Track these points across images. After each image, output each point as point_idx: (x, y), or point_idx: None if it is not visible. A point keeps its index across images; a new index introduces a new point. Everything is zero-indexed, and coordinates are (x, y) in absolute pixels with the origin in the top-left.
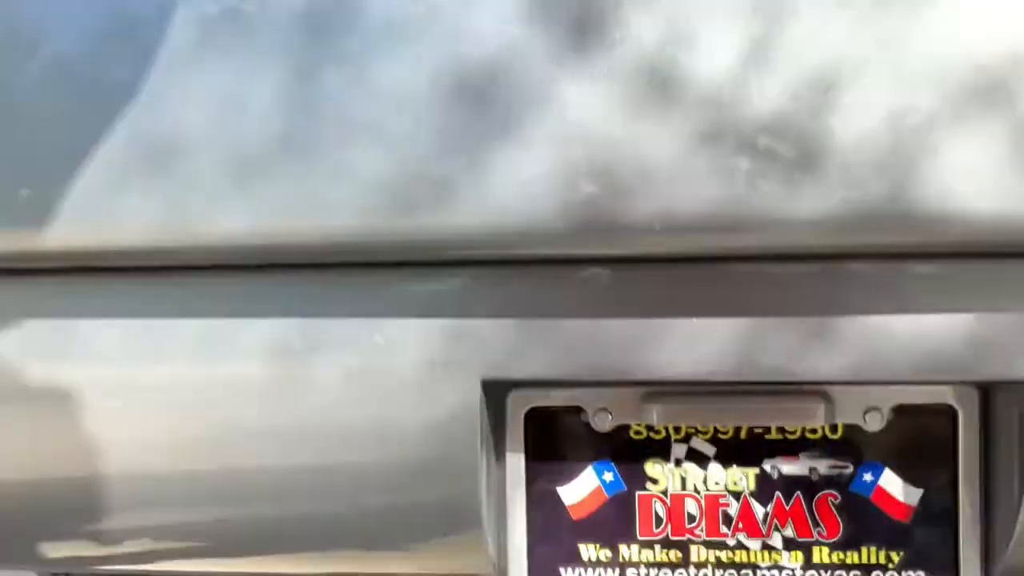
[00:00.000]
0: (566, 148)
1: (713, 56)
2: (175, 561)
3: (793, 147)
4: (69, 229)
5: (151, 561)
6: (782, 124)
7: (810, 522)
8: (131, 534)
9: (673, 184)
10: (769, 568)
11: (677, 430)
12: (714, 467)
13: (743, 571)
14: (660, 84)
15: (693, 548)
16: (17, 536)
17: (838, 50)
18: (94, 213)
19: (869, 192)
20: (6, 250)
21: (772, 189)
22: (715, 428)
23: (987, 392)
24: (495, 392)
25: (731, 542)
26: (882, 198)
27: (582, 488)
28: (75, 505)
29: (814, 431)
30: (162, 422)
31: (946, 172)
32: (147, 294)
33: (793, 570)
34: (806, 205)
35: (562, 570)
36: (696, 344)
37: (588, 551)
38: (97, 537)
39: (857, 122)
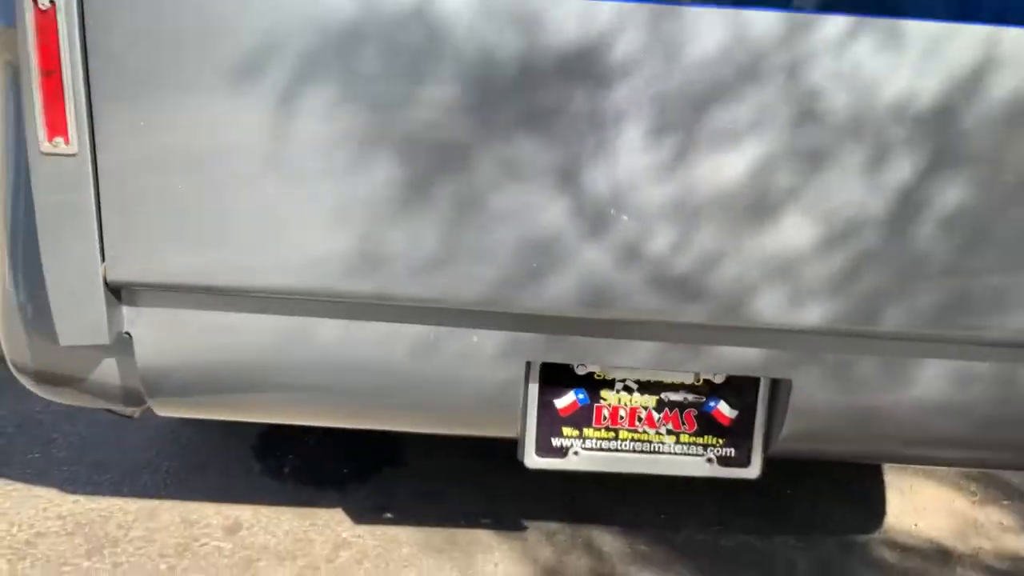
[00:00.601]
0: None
1: None
2: None
3: None
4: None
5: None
6: None
7: (681, 423)
8: None
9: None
10: (659, 444)
11: (620, 379)
12: (636, 395)
13: (645, 445)
14: None
15: (621, 432)
16: None
17: None
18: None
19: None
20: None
21: None
22: (639, 378)
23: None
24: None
25: (640, 430)
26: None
27: (567, 400)
28: None
29: (688, 382)
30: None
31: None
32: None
33: (670, 445)
34: None
35: (552, 440)
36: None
37: (567, 431)
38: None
39: None
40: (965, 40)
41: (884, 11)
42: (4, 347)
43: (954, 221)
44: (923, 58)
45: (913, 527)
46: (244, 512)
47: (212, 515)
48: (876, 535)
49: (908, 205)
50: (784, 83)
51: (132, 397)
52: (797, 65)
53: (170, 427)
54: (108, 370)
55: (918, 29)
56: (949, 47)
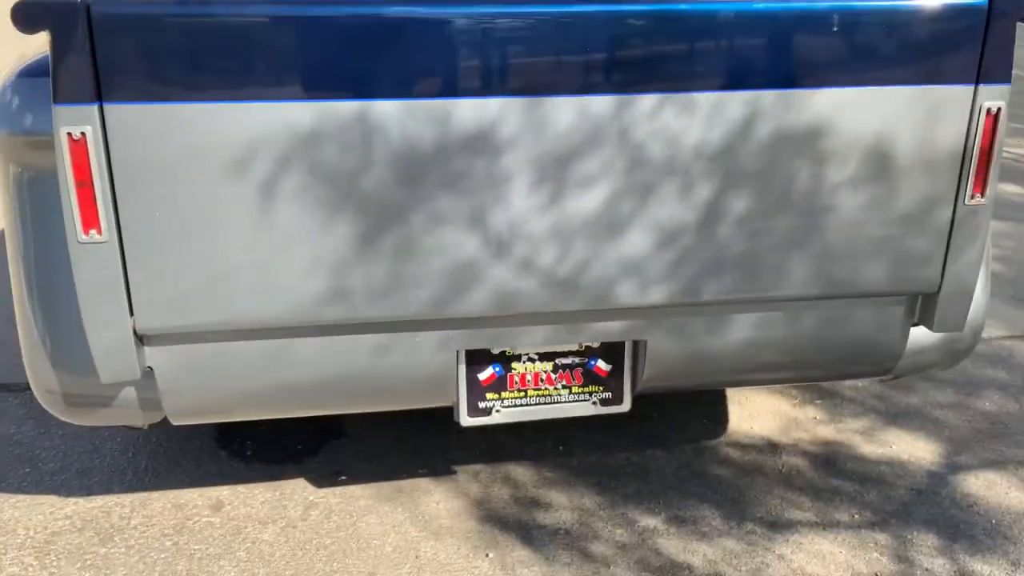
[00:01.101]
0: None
1: None
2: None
3: None
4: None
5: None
6: None
7: (571, 379)
8: None
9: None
10: (557, 396)
11: (525, 353)
12: (537, 363)
13: (547, 398)
14: None
15: (529, 392)
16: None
17: None
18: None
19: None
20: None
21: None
22: (538, 351)
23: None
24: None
25: (542, 388)
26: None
27: (487, 373)
28: None
29: (574, 349)
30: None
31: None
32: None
33: (565, 395)
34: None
35: (479, 404)
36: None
37: (489, 396)
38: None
39: None
40: (736, 102)
41: (679, 89)
42: (34, 385)
43: (741, 225)
44: (707, 114)
45: (749, 429)
46: (223, 491)
47: (196, 497)
48: (721, 439)
49: (707, 217)
50: (617, 141)
51: (150, 415)
52: (626, 127)
53: (138, 432)
54: (132, 396)
55: (701, 98)
56: (723, 106)
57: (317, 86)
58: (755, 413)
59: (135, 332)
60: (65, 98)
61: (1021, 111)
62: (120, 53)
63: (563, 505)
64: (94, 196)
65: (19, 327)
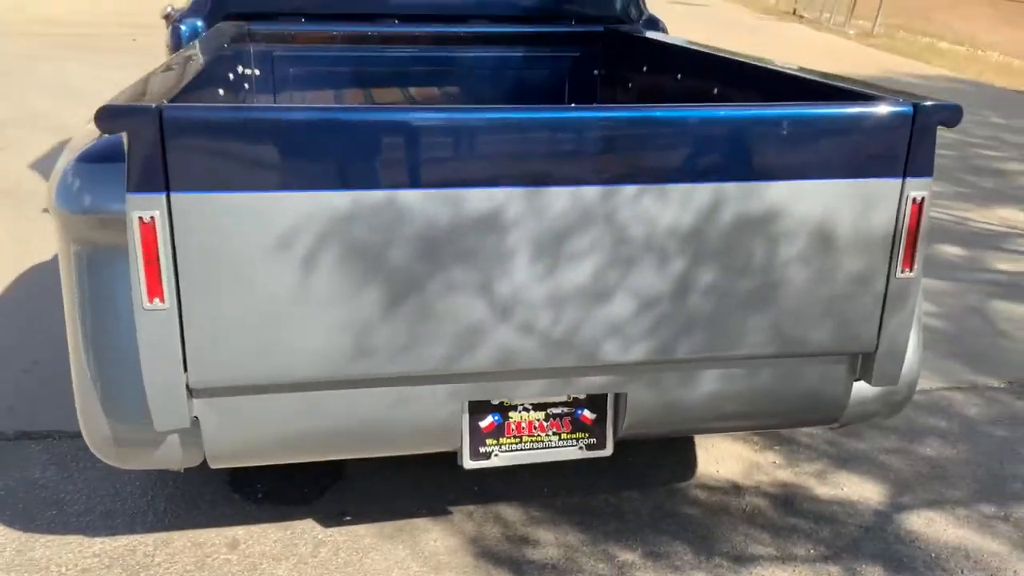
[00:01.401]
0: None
1: None
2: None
3: None
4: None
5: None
6: None
7: (561, 426)
8: None
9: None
10: (548, 442)
11: (521, 404)
12: (532, 412)
13: (539, 444)
14: None
15: (524, 438)
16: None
17: None
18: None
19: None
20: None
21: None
22: (532, 402)
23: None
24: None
25: (535, 435)
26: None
27: (487, 422)
28: None
29: (564, 400)
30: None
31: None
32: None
33: (555, 441)
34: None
35: (480, 448)
36: (535, 379)
37: (489, 441)
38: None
39: None
40: (703, 192)
41: (654, 181)
42: (87, 433)
43: (708, 293)
44: (678, 202)
45: (715, 472)
46: (238, 531)
47: (214, 537)
48: (691, 481)
49: (678, 287)
50: (603, 224)
51: (190, 459)
52: (610, 212)
53: (157, 477)
54: (177, 442)
55: (672, 188)
56: (692, 195)
57: (349, 178)
58: (720, 457)
59: (187, 386)
60: (138, 188)
61: (964, 175)
62: (185, 150)
63: (550, 542)
64: (159, 270)
65: (76, 381)
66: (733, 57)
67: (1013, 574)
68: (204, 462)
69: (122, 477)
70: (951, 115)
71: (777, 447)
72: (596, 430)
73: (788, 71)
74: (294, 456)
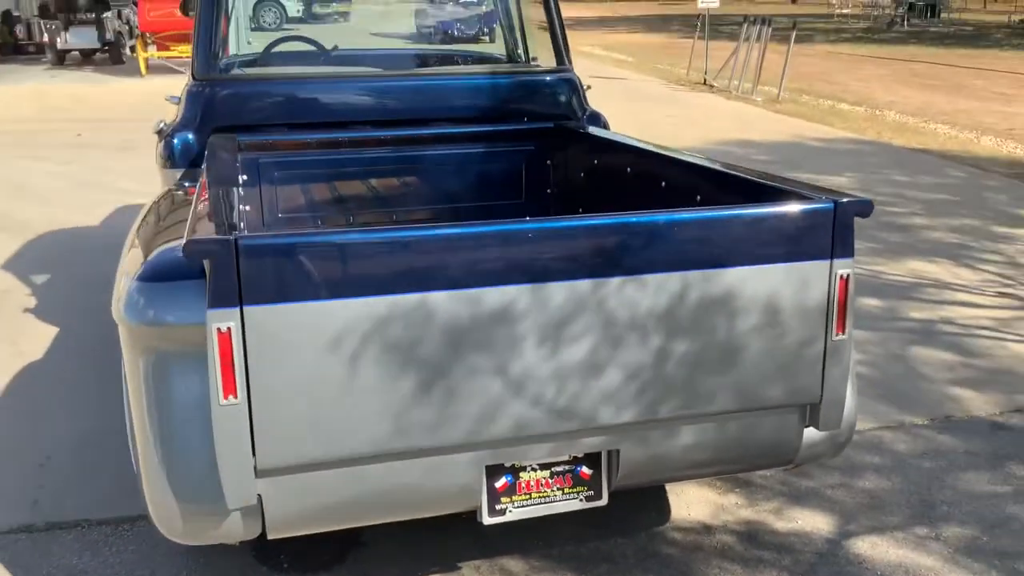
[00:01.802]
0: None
1: None
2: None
3: None
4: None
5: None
6: None
7: (563, 482)
8: None
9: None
10: (553, 496)
11: (529, 465)
12: (538, 472)
13: (546, 498)
14: None
15: (532, 494)
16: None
17: None
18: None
19: None
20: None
21: None
22: (539, 463)
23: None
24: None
25: (542, 491)
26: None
27: (501, 482)
28: None
29: (566, 459)
30: None
31: None
32: None
33: (559, 495)
34: None
35: (496, 506)
36: (541, 443)
37: (503, 499)
38: None
39: None
40: (674, 279)
41: (632, 273)
42: (156, 514)
43: (681, 362)
44: (653, 289)
45: (687, 515)
46: None
47: None
48: (667, 525)
49: (657, 359)
50: (594, 310)
51: (251, 532)
52: (599, 300)
53: (188, 555)
54: (239, 518)
55: (649, 278)
56: (665, 283)
57: (385, 285)
58: (690, 502)
59: (255, 468)
60: (216, 304)
61: (875, 231)
62: (256, 271)
63: None
64: (233, 371)
65: (144, 469)
66: (661, 151)
67: None
68: (256, 536)
69: (156, 558)
70: (864, 207)
71: (738, 490)
72: (593, 483)
73: (710, 165)
74: (342, 522)
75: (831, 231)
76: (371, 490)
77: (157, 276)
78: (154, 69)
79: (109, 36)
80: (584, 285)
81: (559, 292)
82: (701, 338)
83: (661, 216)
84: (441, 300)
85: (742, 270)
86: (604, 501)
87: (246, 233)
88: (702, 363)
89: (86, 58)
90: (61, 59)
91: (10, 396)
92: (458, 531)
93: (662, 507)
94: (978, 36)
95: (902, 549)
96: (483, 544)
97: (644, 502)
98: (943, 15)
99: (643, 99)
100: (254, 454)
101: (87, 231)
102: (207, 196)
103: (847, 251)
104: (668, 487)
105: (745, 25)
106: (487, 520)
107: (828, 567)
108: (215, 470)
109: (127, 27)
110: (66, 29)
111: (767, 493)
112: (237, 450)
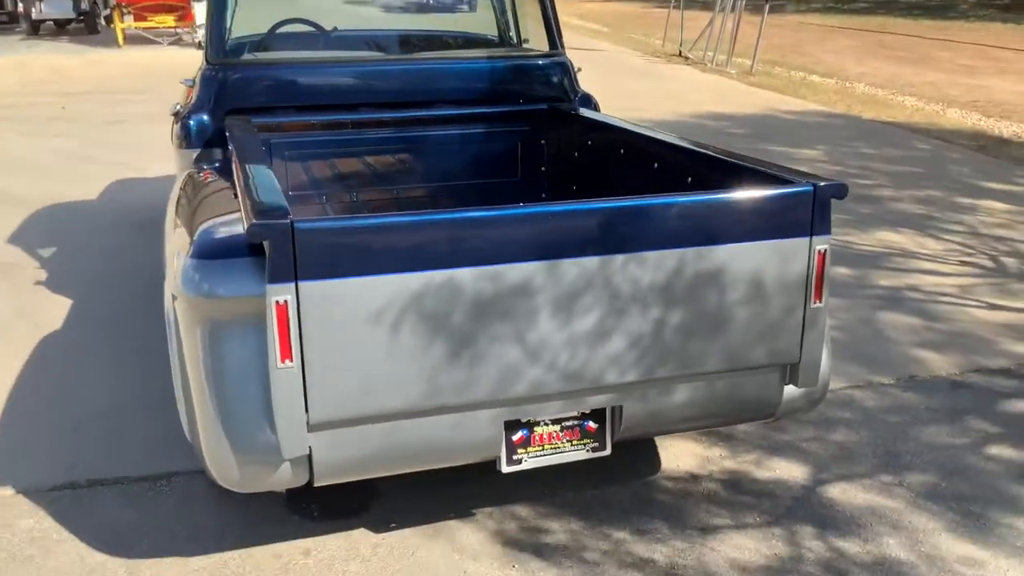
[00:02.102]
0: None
1: None
2: None
3: None
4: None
5: None
6: None
7: (572, 434)
8: None
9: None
10: (563, 447)
11: (543, 420)
12: (550, 426)
13: (557, 449)
14: None
15: (545, 446)
16: None
17: None
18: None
19: None
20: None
21: None
22: (551, 418)
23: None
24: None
25: (553, 443)
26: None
27: (518, 435)
28: None
29: (574, 415)
30: None
31: None
32: None
33: (568, 446)
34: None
35: (513, 456)
36: (553, 401)
37: (520, 450)
38: None
39: None
40: (670, 256)
41: (636, 250)
42: (215, 467)
43: (677, 328)
44: (653, 264)
45: (677, 467)
46: (306, 542)
47: (287, 548)
48: (659, 475)
49: (656, 326)
50: (601, 283)
51: (299, 480)
52: (606, 275)
53: (226, 505)
54: (290, 468)
55: (649, 255)
56: (663, 259)
57: (419, 263)
58: (679, 455)
59: (307, 423)
60: (276, 279)
61: (844, 203)
62: (309, 250)
63: (557, 529)
64: (289, 339)
65: (202, 426)
66: (649, 133)
67: (908, 523)
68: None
69: (195, 509)
70: (839, 190)
71: (721, 443)
72: (599, 436)
73: (694, 147)
74: (379, 471)
75: (811, 211)
76: (406, 443)
77: (209, 254)
78: (130, 40)
79: (84, 6)
80: (592, 261)
81: (570, 268)
82: (694, 307)
83: (661, 199)
84: (467, 275)
85: (732, 247)
86: (608, 451)
87: (300, 217)
88: (695, 329)
89: (60, 28)
90: (36, 29)
91: (34, 367)
92: (471, 483)
93: (653, 460)
94: (945, 7)
95: (869, 494)
96: (494, 494)
97: (637, 456)
98: None
99: (620, 71)
100: (306, 411)
101: (87, 204)
102: (245, 177)
103: (825, 229)
104: (658, 442)
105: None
106: (505, 469)
107: (803, 510)
108: (268, 425)
109: None
110: None
111: (748, 446)
112: (292, 407)
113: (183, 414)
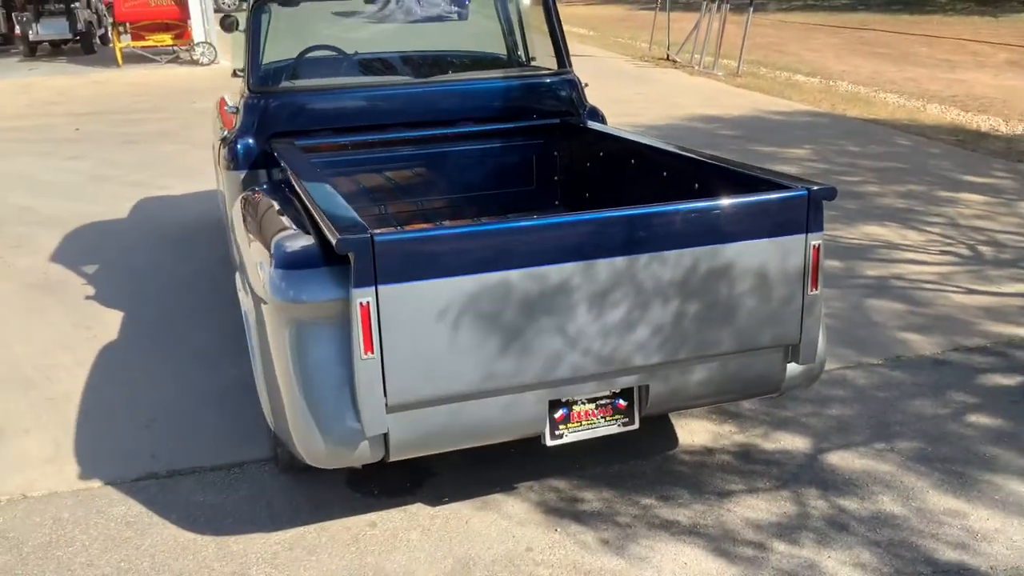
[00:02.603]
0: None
1: None
2: None
3: None
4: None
5: None
6: None
7: (606, 411)
8: None
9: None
10: (598, 423)
11: (580, 399)
12: (587, 405)
13: (592, 424)
14: None
15: (583, 422)
16: None
17: None
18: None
19: None
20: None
21: None
22: (587, 397)
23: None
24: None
25: (589, 419)
26: None
27: (559, 413)
28: None
29: (607, 394)
30: None
31: None
32: None
33: (602, 422)
34: None
35: (555, 431)
36: (589, 382)
37: (561, 427)
38: None
39: None
40: (687, 254)
41: (657, 249)
42: (303, 447)
43: (695, 316)
44: (673, 262)
45: (692, 442)
46: (371, 516)
47: (356, 522)
48: (677, 450)
49: (677, 315)
50: (629, 279)
51: (375, 456)
52: (633, 271)
53: (297, 486)
54: (368, 445)
55: (669, 254)
56: (681, 257)
57: (475, 267)
58: (693, 431)
59: (386, 405)
60: (360, 284)
61: (836, 201)
62: (387, 259)
63: (591, 498)
64: (371, 334)
65: (291, 412)
66: (651, 143)
67: (900, 483)
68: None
69: (268, 492)
70: (829, 193)
71: (731, 420)
72: (628, 412)
73: (694, 156)
74: (443, 447)
75: (806, 212)
76: (466, 421)
77: (290, 264)
78: (128, 59)
79: (80, 26)
80: (621, 261)
81: (603, 267)
82: (708, 297)
83: (679, 206)
84: (517, 276)
85: (739, 244)
86: (636, 426)
87: (379, 231)
88: (709, 316)
89: (55, 48)
90: (33, 51)
91: (100, 372)
92: (511, 462)
93: (670, 436)
94: (923, 1)
95: (864, 459)
96: (533, 470)
97: (657, 433)
98: None
99: (609, 76)
100: (385, 395)
101: (119, 223)
102: (312, 196)
103: (818, 226)
104: (674, 420)
105: (705, 3)
106: (549, 442)
107: (807, 475)
108: (349, 409)
109: (96, 17)
110: (37, 20)
111: (754, 422)
112: (373, 392)
113: (265, 404)
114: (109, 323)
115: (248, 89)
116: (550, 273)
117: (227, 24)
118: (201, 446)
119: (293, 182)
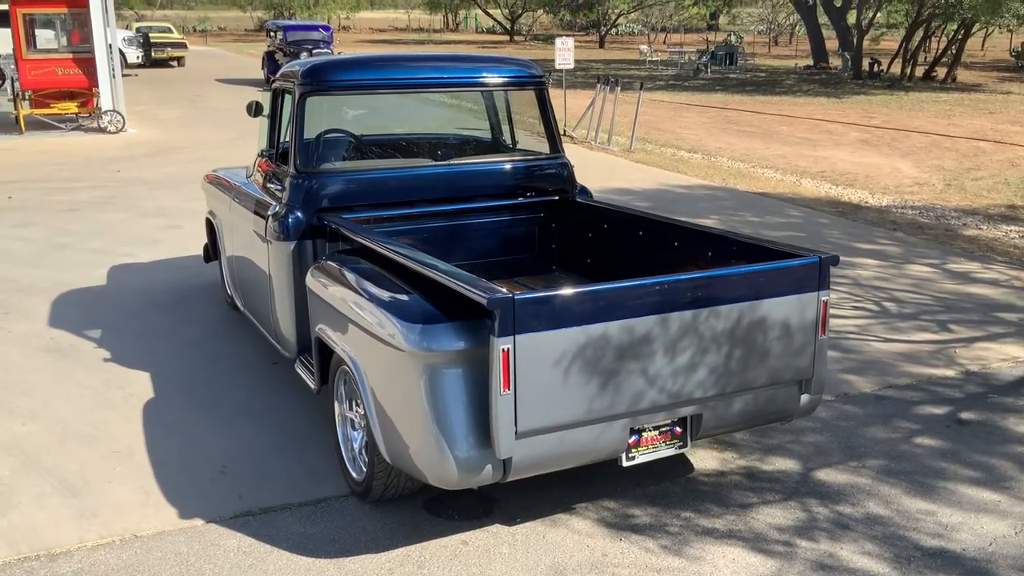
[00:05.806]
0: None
1: None
2: None
3: None
4: None
5: None
6: None
7: (667, 437)
8: None
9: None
10: (662, 446)
11: (648, 426)
12: (653, 432)
13: (657, 447)
14: None
15: (649, 446)
16: None
17: None
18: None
19: None
20: None
21: None
22: (653, 425)
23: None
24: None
25: (654, 443)
26: None
27: (632, 439)
28: None
29: (667, 422)
30: None
31: None
32: None
33: (664, 445)
34: None
35: (629, 454)
36: (656, 412)
37: (633, 449)
38: None
39: None
40: (733, 309)
41: (713, 304)
42: (433, 473)
43: (737, 358)
44: (724, 314)
45: (705, 467)
46: (461, 536)
47: (448, 540)
48: (694, 473)
49: (725, 358)
50: (692, 328)
51: (497, 477)
52: (698, 323)
53: (388, 514)
54: (492, 467)
55: (722, 308)
56: (730, 311)
57: (584, 320)
58: (704, 458)
59: (516, 433)
60: (502, 334)
61: None
62: (525, 315)
63: (641, 514)
64: (509, 375)
65: (424, 443)
66: (635, 214)
67: (878, 491)
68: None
69: (359, 521)
70: (834, 260)
71: (730, 449)
72: (683, 437)
73: (665, 222)
74: (549, 468)
75: (817, 273)
76: (569, 446)
77: (419, 319)
78: (30, 125)
79: None
80: (688, 314)
81: (675, 319)
82: (749, 342)
83: (732, 270)
84: (614, 327)
85: (772, 300)
86: (689, 447)
87: (517, 292)
88: (749, 357)
89: None
90: None
91: (151, 426)
92: (562, 487)
93: (686, 463)
94: (772, 82)
95: (845, 475)
96: (582, 494)
97: (674, 461)
98: (739, 62)
99: None
100: (515, 425)
101: (101, 291)
102: (423, 263)
103: (826, 285)
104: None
105: (599, 85)
106: (625, 464)
107: (804, 488)
108: (476, 438)
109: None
110: None
111: (749, 449)
112: (508, 422)
113: (383, 441)
114: (138, 382)
115: (295, 169)
116: (637, 324)
117: (253, 109)
118: (280, 486)
119: (381, 250)
